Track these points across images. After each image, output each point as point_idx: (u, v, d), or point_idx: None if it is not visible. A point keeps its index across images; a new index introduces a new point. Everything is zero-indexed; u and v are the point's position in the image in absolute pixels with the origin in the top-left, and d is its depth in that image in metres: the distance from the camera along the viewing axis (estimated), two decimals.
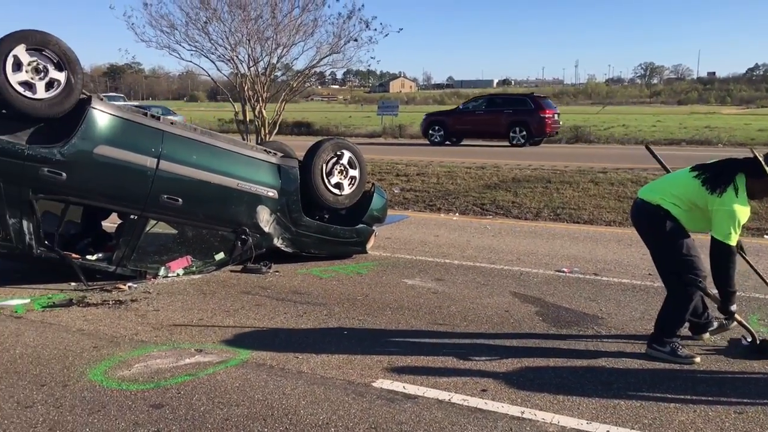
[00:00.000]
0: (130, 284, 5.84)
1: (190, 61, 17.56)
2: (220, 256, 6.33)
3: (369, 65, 17.87)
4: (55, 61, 5.40)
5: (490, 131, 22.58)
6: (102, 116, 5.56)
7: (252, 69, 14.96)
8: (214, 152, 6.16)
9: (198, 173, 5.96)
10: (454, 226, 9.41)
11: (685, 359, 4.15)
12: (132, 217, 5.80)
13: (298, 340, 4.54)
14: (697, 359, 4.17)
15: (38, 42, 5.33)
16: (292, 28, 14.71)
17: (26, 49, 5.26)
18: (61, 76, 5.41)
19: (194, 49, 14.82)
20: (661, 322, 4.28)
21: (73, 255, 5.85)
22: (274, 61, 15.21)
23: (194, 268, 6.24)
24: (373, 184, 7.66)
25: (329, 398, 3.61)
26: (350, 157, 6.94)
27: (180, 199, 5.87)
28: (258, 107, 15.17)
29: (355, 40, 14.85)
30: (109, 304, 5.34)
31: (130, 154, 5.62)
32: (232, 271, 6.44)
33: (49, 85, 5.37)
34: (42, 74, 5.34)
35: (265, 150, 6.73)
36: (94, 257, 5.98)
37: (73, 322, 4.90)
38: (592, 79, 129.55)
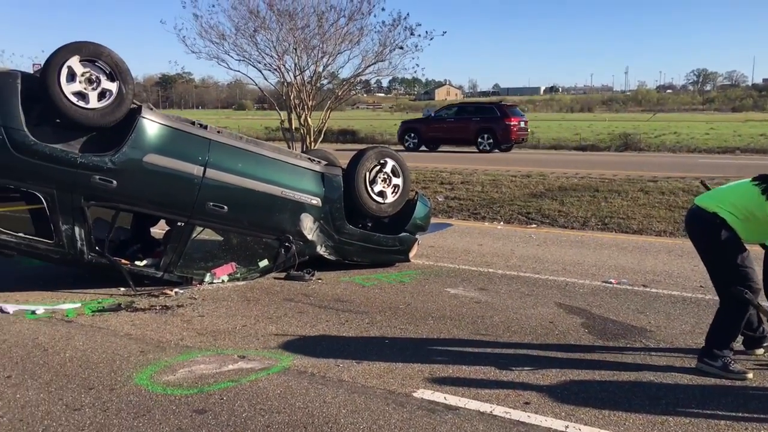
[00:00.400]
0: (176, 290, 5.95)
1: (238, 71, 17.98)
2: (264, 263, 6.40)
3: (414, 72, 18.02)
4: (108, 71, 5.55)
5: (459, 138, 23.82)
6: (151, 125, 5.70)
7: (298, 77, 15.20)
8: (259, 160, 6.25)
9: (243, 181, 6.05)
10: (498, 234, 9.32)
11: (737, 375, 4.01)
12: (179, 223, 5.93)
13: (340, 348, 4.55)
14: (750, 375, 4.02)
15: (91, 53, 5.50)
16: (338, 36, 14.90)
17: (80, 60, 5.43)
18: (113, 87, 5.57)
19: (242, 58, 15.15)
20: (713, 335, 4.14)
21: (123, 261, 5.99)
22: (320, 69, 15.43)
23: (239, 275, 6.32)
24: (416, 192, 7.65)
25: (369, 407, 3.60)
26: (393, 166, 6.94)
27: (225, 207, 5.96)
28: (303, 115, 15.36)
29: (401, 47, 14.93)
30: (156, 309, 5.45)
31: (178, 163, 5.74)
32: (275, 278, 6.50)
33: (102, 95, 5.53)
34: (95, 84, 5.50)
35: (309, 158, 6.80)
36: (143, 263, 6.12)
37: (121, 326, 5.01)
38: (642, 85, 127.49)
